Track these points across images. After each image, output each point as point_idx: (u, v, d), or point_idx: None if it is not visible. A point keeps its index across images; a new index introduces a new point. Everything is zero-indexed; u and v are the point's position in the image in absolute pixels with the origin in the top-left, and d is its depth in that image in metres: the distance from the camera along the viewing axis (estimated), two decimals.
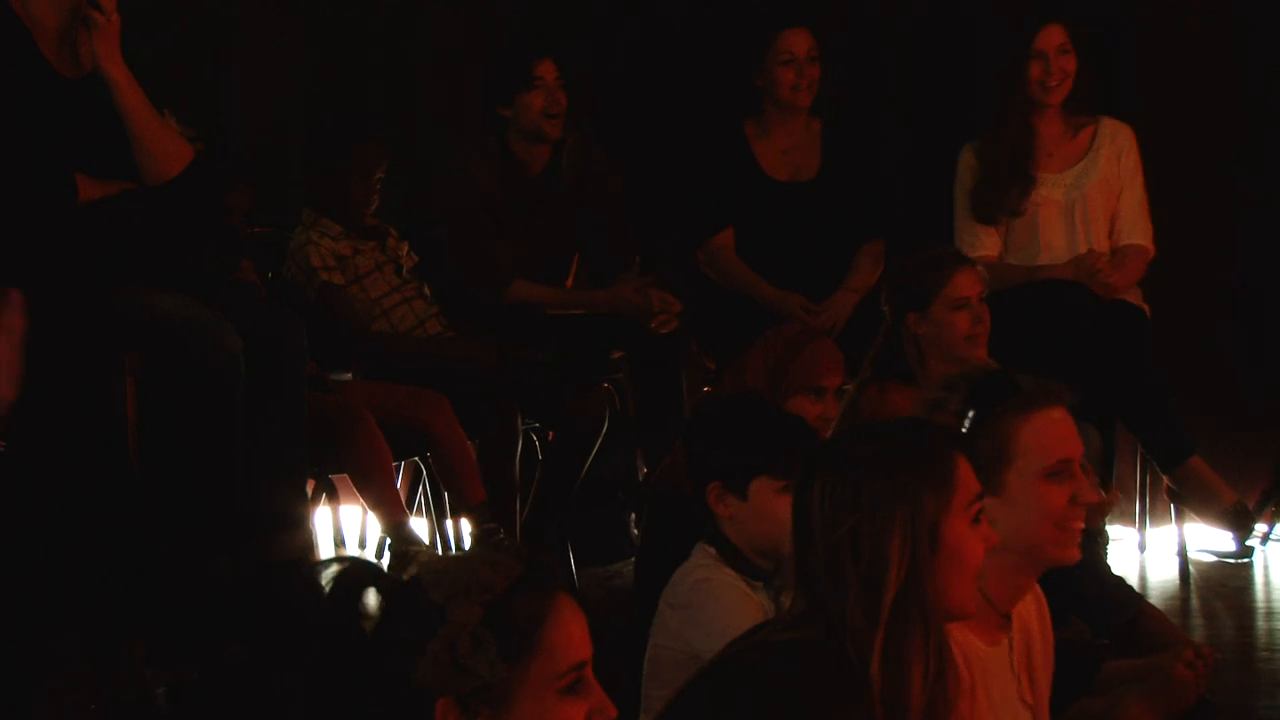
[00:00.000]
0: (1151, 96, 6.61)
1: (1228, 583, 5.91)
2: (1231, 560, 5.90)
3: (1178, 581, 5.92)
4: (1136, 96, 6.60)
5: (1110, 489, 5.68)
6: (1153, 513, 6.22)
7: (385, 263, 5.98)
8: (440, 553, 5.59)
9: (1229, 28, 6.64)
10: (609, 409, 5.84)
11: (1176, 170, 6.38)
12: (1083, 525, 3.10)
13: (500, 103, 6.04)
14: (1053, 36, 5.95)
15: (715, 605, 3.59)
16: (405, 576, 2.27)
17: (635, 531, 5.95)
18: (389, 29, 6.97)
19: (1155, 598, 5.55)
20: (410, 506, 5.96)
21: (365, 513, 6.29)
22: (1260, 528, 5.98)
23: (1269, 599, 5.91)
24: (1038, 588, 3.20)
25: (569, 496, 5.78)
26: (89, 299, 4.21)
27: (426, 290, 6.05)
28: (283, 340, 4.72)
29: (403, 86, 6.98)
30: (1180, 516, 5.97)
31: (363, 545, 6.40)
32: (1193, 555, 5.99)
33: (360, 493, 5.53)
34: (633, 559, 5.41)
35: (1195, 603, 5.76)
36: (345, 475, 5.59)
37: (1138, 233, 6.05)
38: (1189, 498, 5.81)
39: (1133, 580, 5.31)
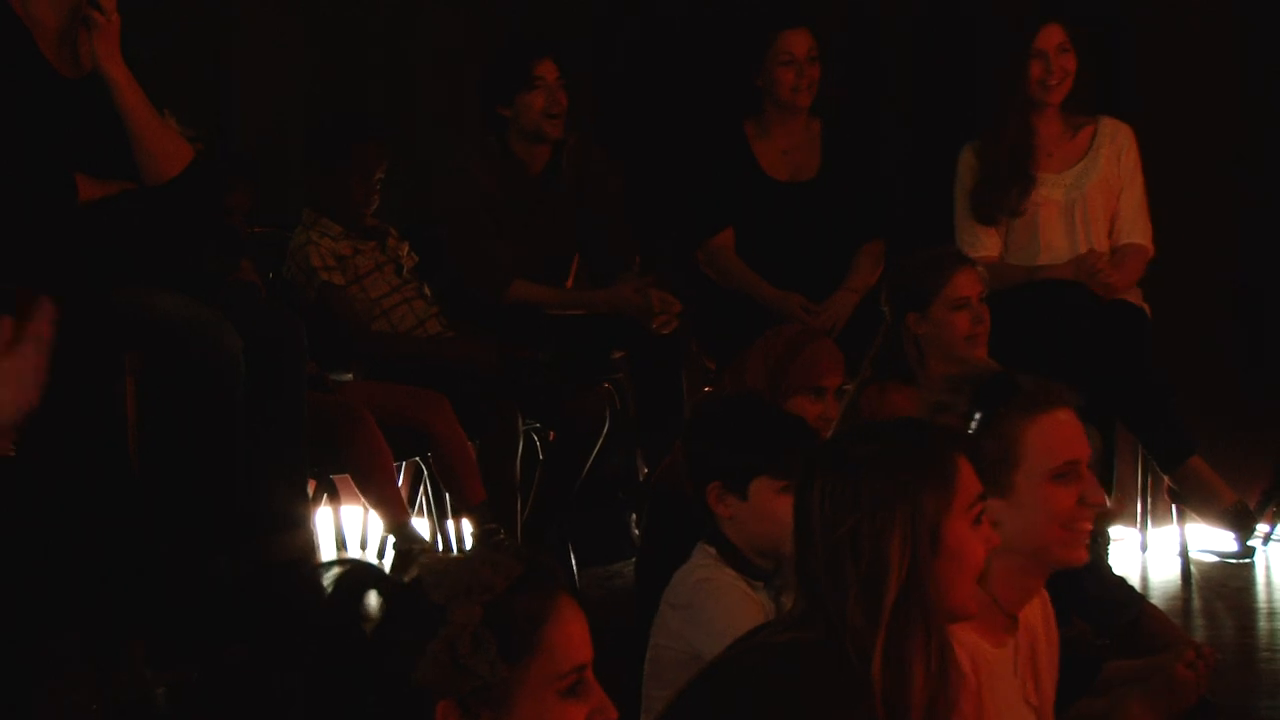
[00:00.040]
0: (1151, 96, 6.60)
1: (1229, 583, 5.91)
2: (1233, 560, 5.90)
3: (1179, 582, 5.92)
4: (1136, 96, 6.60)
5: (1111, 494, 5.69)
6: (1154, 513, 6.22)
7: (385, 263, 5.98)
8: (442, 553, 5.59)
9: (1229, 28, 6.64)
10: (610, 409, 5.84)
11: (1176, 170, 6.37)
12: (1090, 527, 3.10)
13: (501, 103, 6.04)
14: (1053, 36, 5.95)
15: (716, 605, 3.59)
16: (406, 578, 2.27)
17: (636, 532, 5.95)
18: (389, 29, 6.96)
19: (1157, 598, 5.54)
20: (411, 507, 5.96)
21: (366, 513, 6.29)
22: (1261, 528, 5.97)
23: (1270, 599, 5.91)
24: (1043, 589, 3.20)
25: (569, 497, 5.78)
26: (89, 299, 4.21)
27: (427, 290, 6.05)
28: (283, 340, 4.71)
29: (403, 86, 6.98)
30: (1181, 517, 5.96)
31: (364, 546, 6.40)
32: (1194, 555, 5.99)
33: (362, 493, 5.52)
34: (633, 559, 5.41)
35: (1196, 603, 5.76)
36: (346, 475, 5.59)
37: (1137, 232, 6.05)
38: (1190, 498, 5.81)
39: (1134, 580, 5.30)
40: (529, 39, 6.31)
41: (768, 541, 3.61)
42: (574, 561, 5.74)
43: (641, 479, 6.07)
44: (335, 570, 2.28)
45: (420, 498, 6.03)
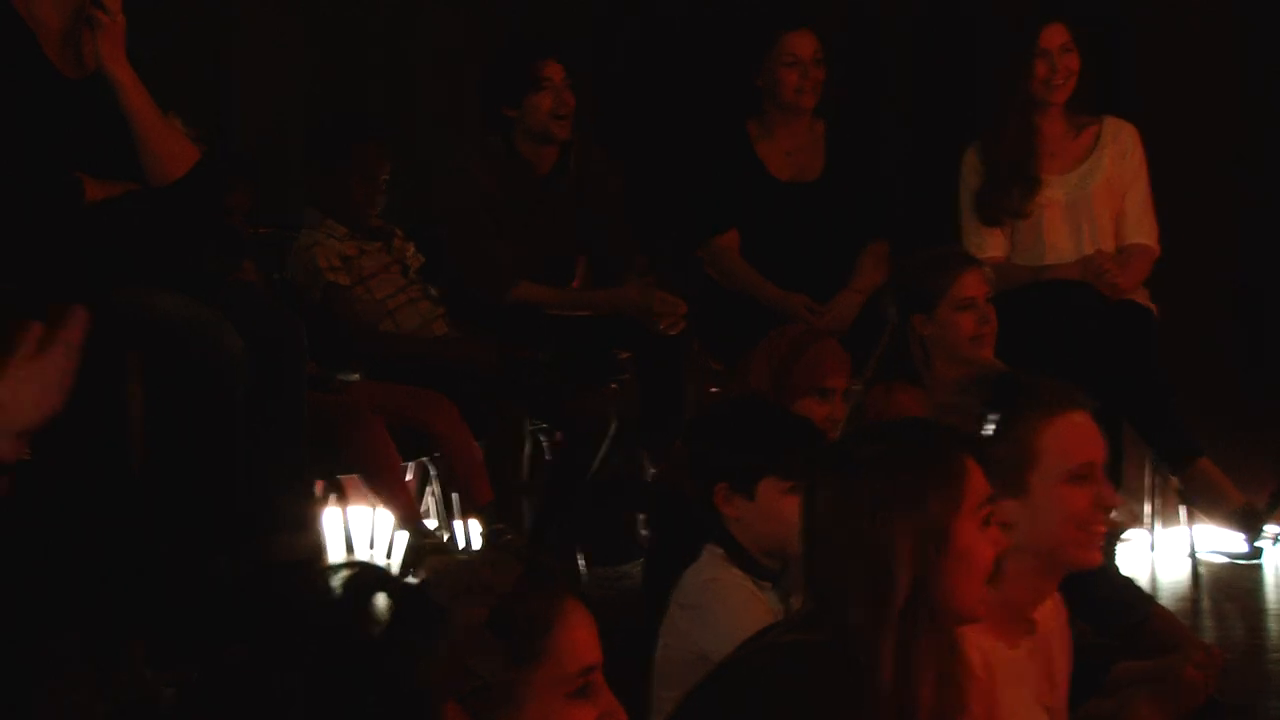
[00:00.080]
0: (1151, 96, 6.61)
1: (1238, 584, 5.90)
2: (1242, 561, 5.90)
3: (1188, 583, 5.91)
4: (1137, 96, 6.61)
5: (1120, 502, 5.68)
6: (1163, 514, 6.21)
7: (391, 263, 5.97)
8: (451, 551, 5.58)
9: (1229, 28, 6.65)
10: (618, 410, 5.82)
11: (1177, 170, 6.37)
12: (1105, 529, 3.09)
13: (507, 104, 6.01)
14: (1056, 35, 5.95)
15: (723, 606, 3.59)
16: (416, 578, 2.26)
17: (643, 532, 5.94)
18: (389, 29, 6.96)
19: (1165, 599, 5.53)
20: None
21: (374, 513, 6.28)
22: (1270, 529, 5.97)
23: (1279, 600, 5.90)
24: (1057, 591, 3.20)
25: (575, 497, 5.77)
26: (89, 299, 4.19)
27: (433, 291, 6.04)
28: (283, 340, 4.70)
29: (403, 86, 6.98)
30: (1190, 517, 5.96)
31: (372, 545, 6.39)
32: (1203, 556, 5.99)
33: (371, 492, 5.52)
34: (641, 560, 5.39)
35: (1205, 604, 5.76)
36: (354, 476, 5.58)
37: (1143, 232, 6.05)
38: (1198, 499, 5.81)
39: (1143, 581, 5.30)
40: (534, 40, 6.30)
41: (775, 542, 3.61)
42: (582, 562, 5.74)
43: (648, 480, 6.06)
44: (344, 573, 2.27)
45: (428, 498, 6.02)
